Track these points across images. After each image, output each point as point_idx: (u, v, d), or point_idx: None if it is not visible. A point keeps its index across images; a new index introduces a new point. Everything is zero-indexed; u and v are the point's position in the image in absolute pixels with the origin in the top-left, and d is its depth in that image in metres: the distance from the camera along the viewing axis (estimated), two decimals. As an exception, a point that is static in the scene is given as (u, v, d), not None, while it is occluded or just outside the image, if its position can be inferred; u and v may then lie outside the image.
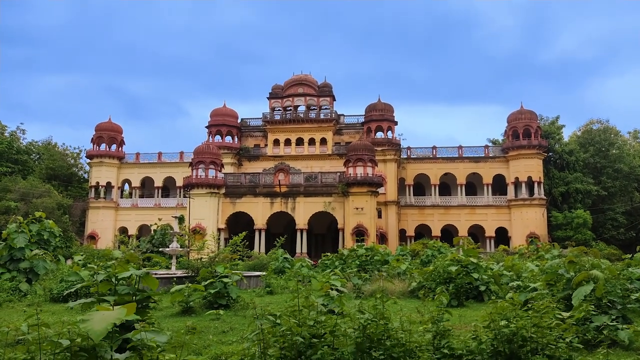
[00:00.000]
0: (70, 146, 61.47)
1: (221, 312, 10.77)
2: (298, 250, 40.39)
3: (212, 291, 11.88)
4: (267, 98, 52.24)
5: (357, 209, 39.58)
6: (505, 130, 49.61)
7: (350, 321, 4.22)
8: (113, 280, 6.97)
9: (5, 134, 54.61)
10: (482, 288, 13.55)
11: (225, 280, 12.04)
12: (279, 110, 51.39)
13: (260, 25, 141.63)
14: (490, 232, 46.84)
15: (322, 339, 3.96)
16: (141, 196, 53.61)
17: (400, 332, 4.05)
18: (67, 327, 3.40)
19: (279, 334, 3.85)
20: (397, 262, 19.62)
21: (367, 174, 39.74)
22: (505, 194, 48.01)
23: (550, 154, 51.51)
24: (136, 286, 7.37)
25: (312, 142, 49.87)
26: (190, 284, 11.59)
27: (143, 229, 49.13)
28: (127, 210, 51.87)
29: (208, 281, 12.04)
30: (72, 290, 10.48)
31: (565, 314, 6.10)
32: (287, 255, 23.73)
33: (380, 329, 3.95)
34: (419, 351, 4.26)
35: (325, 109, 51.41)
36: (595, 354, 5.37)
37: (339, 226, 40.84)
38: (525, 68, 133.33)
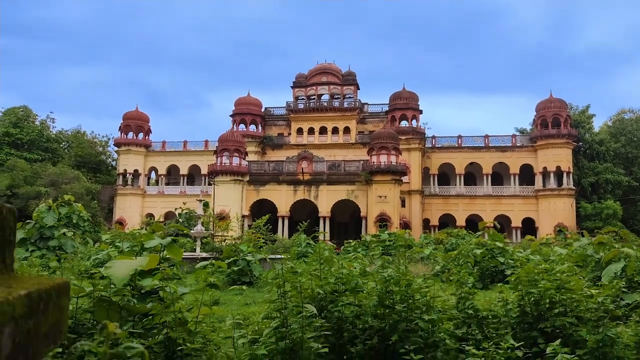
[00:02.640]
0: (98, 134, 62.66)
1: (244, 287, 10.91)
2: (321, 238, 40.37)
3: (236, 269, 11.99)
4: (291, 87, 52.21)
5: (380, 197, 39.34)
6: (534, 120, 48.51)
7: (372, 277, 4.18)
8: (137, 249, 7.08)
9: (36, 123, 55.87)
10: (508, 272, 13.25)
11: (248, 258, 12.13)
12: (302, 99, 51.30)
13: (283, 18, 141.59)
14: (516, 222, 46.03)
15: (344, 295, 3.92)
16: (167, 184, 54.45)
17: (424, 289, 3.98)
18: (89, 274, 3.42)
19: (300, 286, 3.81)
20: (420, 248, 19.47)
21: (391, 162, 39.39)
22: (533, 184, 47.06)
23: (580, 143, 50.16)
24: (161, 255, 7.49)
25: (335, 130, 49.70)
26: (214, 262, 11.71)
27: (169, 215, 49.85)
28: (153, 197, 52.79)
29: (232, 259, 12.14)
30: (98, 263, 10.70)
31: (594, 290, 5.92)
32: (310, 240, 23.71)
33: (403, 284, 3.89)
34: (441, 314, 4.18)
35: (349, 97, 51.06)
36: (627, 324, 5.20)
37: (362, 214, 40.69)
38: (554, 59, 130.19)
